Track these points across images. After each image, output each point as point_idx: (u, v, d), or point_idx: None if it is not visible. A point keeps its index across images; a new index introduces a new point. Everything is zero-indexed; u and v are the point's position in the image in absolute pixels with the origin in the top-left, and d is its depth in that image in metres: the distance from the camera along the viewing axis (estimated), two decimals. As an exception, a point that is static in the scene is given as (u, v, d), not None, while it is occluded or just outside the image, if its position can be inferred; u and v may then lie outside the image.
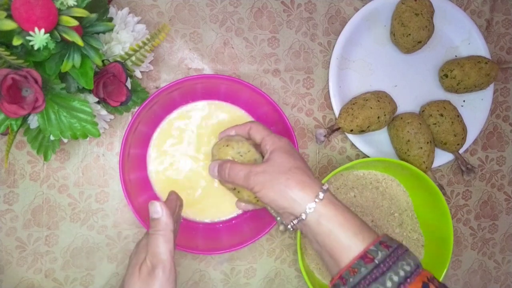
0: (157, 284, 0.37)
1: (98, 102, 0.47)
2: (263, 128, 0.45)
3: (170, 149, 0.54)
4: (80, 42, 0.37)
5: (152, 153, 0.54)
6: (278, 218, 0.44)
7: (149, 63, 0.53)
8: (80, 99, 0.42)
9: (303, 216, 0.39)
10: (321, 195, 0.39)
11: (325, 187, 0.40)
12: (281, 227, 0.43)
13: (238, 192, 0.45)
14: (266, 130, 0.44)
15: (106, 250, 0.54)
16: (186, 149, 0.54)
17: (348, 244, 0.38)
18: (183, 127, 0.54)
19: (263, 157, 0.44)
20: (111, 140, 0.54)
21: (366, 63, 0.59)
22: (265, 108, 0.52)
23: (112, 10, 0.47)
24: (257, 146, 0.45)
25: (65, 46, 0.40)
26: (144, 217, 0.50)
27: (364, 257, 0.36)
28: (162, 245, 0.38)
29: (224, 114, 0.55)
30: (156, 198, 0.53)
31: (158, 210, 0.39)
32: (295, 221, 0.40)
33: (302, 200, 0.39)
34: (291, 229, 0.41)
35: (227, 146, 0.45)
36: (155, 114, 0.52)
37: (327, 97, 0.58)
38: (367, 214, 0.58)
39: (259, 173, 0.40)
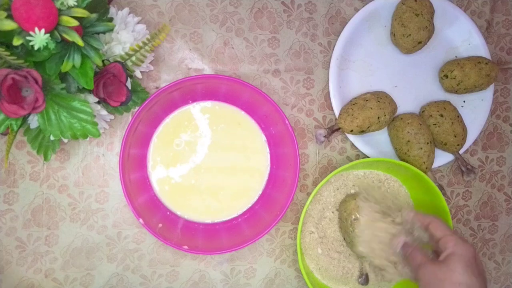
0: None
1: (98, 102, 0.47)
2: (445, 227, 0.45)
3: (170, 149, 0.54)
4: (80, 42, 0.37)
5: (152, 153, 0.54)
6: None
7: (149, 63, 0.53)
8: (80, 99, 0.42)
9: None
10: None
11: None
12: None
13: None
14: (448, 229, 0.45)
15: (106, 250, 0.54)
16: (186, 149, 0.54)
17: None
18: (183, 127, 0.54)
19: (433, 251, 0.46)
20: (111, 140, 0.54)
21: (366, 63, 0.59)
22: (265, 109, 0.52)
23: (112, 10, 0.47)
24: (431, 239, 0.46)
25: (65, 46, 0.40)
26: (144, 217, 0.50)
27: None
28: None
29: (224, 114, 0.55)
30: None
31: None
32: None
33: None
34: None
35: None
36: (155, 114, 0.52)
37: (327, 97, 0.58)
38: (367, 214, 0.58)
39: (428, 273, 0.43)
